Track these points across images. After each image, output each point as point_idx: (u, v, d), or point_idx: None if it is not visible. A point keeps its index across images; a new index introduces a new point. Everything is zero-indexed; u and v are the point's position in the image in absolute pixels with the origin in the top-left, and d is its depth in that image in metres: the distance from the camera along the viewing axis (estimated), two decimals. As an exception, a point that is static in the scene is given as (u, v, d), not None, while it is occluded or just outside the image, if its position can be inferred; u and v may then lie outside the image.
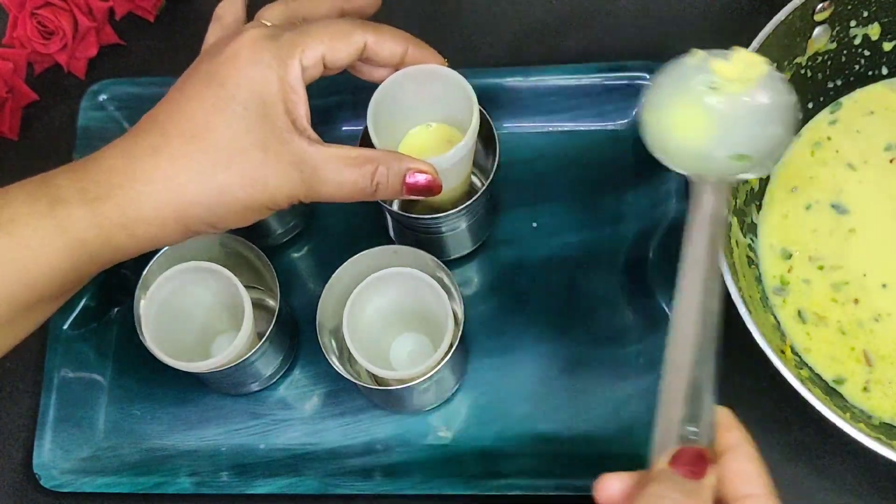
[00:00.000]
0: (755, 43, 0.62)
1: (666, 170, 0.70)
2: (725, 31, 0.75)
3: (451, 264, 0.69)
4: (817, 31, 0.65)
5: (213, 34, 0.62)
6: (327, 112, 0.72)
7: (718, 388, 0.49)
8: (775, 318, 0.66)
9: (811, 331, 0.66)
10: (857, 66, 0.69)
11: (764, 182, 0.69)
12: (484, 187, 0.65)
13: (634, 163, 0.72)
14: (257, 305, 0.69)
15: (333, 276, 0.64)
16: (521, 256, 0.71)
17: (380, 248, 0.64)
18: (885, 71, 0.70)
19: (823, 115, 0.70)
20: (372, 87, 0.62)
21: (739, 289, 0.59)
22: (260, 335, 0.66)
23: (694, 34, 0.76)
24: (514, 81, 0.73)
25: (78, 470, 0.69)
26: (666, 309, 0.68)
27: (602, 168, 0.73)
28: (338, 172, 0.57)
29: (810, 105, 0.69)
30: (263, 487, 0.67)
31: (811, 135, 0.70)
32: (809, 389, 0.57)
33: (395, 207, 0.66)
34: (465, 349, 0.68)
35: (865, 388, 0.64)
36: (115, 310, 0.73)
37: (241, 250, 0.67)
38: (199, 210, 0.56)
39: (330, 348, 0.65)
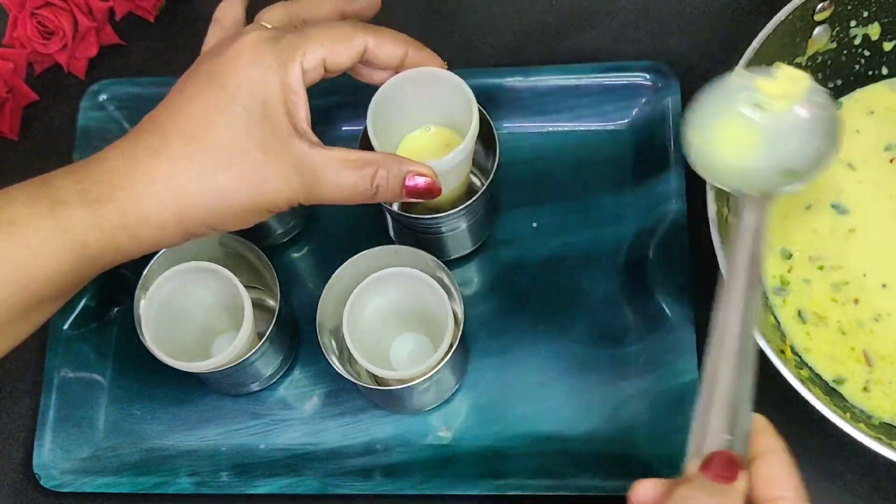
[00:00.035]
0: (755, 43, 0.62)
1: (666, 170, 0.71)
2: (725, 31, 0.75)
3: (451, 264, 0.69)
4: (817, 31, 0.65)
5: (212, 36, 0.62)
6: (327, 112, 0.72)
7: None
8: (775, 318, 0.66)
9: (811, 331, 0.66)
10: (857, 66, 0.69)
11: (764, 182, 0.69)
12: (484, 187, 0.65)
13: (634, 163, 0.72)
14: (257, 305, 0.69)
15: (333, 276, 0.64)
16: (521, 256, 0.71)
17: (380, 248, 0.64)
18: (885, 71, 0.70)
19: (823, 115, 0.70)
20: (372, 87, 0.62)
21: (739, 289, 0.59)
22: (260, 335, 0.66)
23: (694, 34, 0.76)
24: (514, 81, 0.73)
25: (78, 470, 0.69)
26: (666, 309, 0.68)
27: (602, 168, 0.73)
28: (338, 175, 0.57)
29: (810, 105, 0.69)
30: (263, 487, 0.67)
31: (811, 135, 0.70)
32: (809, 389, 0.57)
33: (395, 207, 0.66)
34: (465, 349, 0.68)
35: (865, 388, 0.64)
36: (115, 310, 0.73)
37: (241, 250, 0.67)
38: (200, 212, 0.56)
39: (330, 348, 0.65)
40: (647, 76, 0.72)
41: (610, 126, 0.73)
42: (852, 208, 0.68)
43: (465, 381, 0.69)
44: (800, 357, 0.65)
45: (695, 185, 0.70)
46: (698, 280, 0.68)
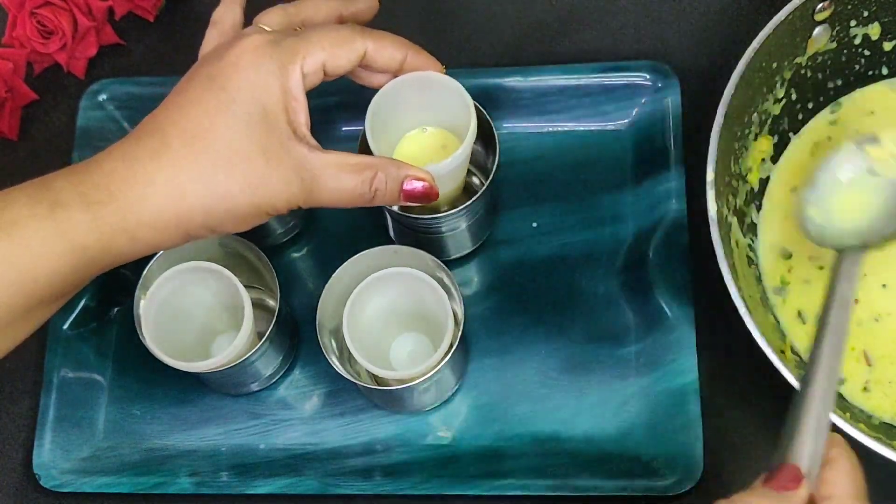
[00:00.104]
0: (755, 43, 0.62)
1: (666, 170, 0.71)
2: (725, 31, 0.75)
3: (451, 264, 0.69)
4: (817, 31, 0.65)
5: (210, 39, 0.62)
6: (327, 112, 0.72)
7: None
8: (775, 318, 0.66)
9: (811, 331, 0.65)
10: (857, 66, 0.69)
11: (764, 182, 0.69)
12: (484, 187, 0.65)
13: (634, 163, 0.72)
14: (257, 305, 0.69)
15: (333, 276, 0.64)
16: (521, 256, 0.71)
17: (380, 248, 0.64)
18: (885, 71, 0.70)
19: (823, 115, 0.70)
20: (371, 89, 0.62)
21: (739, 289, 0.59)
22: (260, 335, 0.66)
23: (694, 34, 0.76)
24: (514, 81, 0.73)
25: (78, 470, 0.69)
26: (666, 309, 0.68)
27: (602, 168, 0.73)
28: (337, 179, 0.57)
29: (810, 105, 0.69)
30: (263, 487, 0.67)
31: (811, 135, 0.70)
32: (809, 390, 0.57)
33: (395, 208, 0.66)
34: (465, 349, 0.68)
35: (865, 388, 0.64)
36: (115, 310, 0.73)
37: (241, 250, 0.67)
38: (200, 214, 0.56)
39: (330, 348, 0.65)
40: (647, 76, 0.72)
41: (610, 126, 0.73)
42: (853, 208, 0.68)
43: (465, 381, 0.69)
44: (800, 357, 0.65)
45: (695, 185, 0.70)
46: (698, 280, 0.68)
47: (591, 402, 0.67)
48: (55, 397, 0.70)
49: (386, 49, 0.60)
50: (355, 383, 0.64)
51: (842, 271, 0.58)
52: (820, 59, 0.67)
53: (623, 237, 0.71)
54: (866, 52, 0.68)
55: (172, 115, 0.57)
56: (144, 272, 0.65)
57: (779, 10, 0.63)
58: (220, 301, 0.66)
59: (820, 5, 0.64)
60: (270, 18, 0.61)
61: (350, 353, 0.62)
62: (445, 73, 0.62)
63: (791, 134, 0.70)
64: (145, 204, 0.56)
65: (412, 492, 0.66)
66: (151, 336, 0.63)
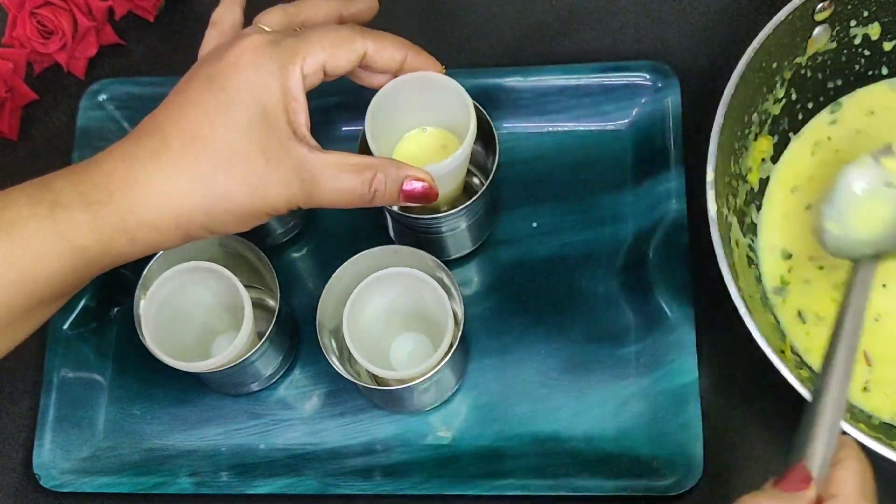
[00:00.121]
0: (755, 43, 0.62)
1: (666, 170, 0.71)
2: (725, 31, 0.75)
3: (451, 264, 0.69)
4: (817, 30, 0.65)
5: (209, 39, 0.62)
6: (326, 112, 0.72)
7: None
8: (775, 318, 0.66)
9: (811, 331, 0.66)
10: (857, 66, 0.69)
11: (764, 182, 0.69)
12: (484, 187, 0.65)
13: (634, 163, 0.72)
14: (257, 305, 0.69)
15: (333, 276, 0.64)
16: (521, 256, 0.71)
17: (380, 248, 0.64)
18: (885, 71, 0.70)
19: (823, 115, 0.70)
20: (371, 90, 0.62)
21: (739, 289, 0.59)
22: (260, 335, 0.66)
23: (694, 34, 0.76)
24: (514, 81, 0.73)
25: (78, 470, 0.69)
26: (666, 309, 0.68)
27: (602, 168, 0.73)
28: (337, 179, 0.57)
29: (810, 105, 0.69)
30: (263, 487, 0.67)
31: (811, 135, 0.70)
32: (809, 390, 0.57)
33: (394, 207, 0.66)
34: (465, 349, 0.68)
35: (865, 388, 0.64)
36: (115, 310, 0.73)
37: (241, 250, 0.67)
38: (199, 214, 0.56)
39: (330, 348, 0.65)
40: (647, 76, 0.72)
41: (610, 126, 0.73)
42: (853, 208, 0.68)
43: (465, 381, 0.69)
44: (800, 357, 0.65)
45: (695, 185, 0.70)
46: (698, 280, 0.68)
47: (591, 402, 0.67)
48: (55, 397, 0.70)
49: (386, 49, 0.60)
50: (355, 383, 0.64)
51: (857, 281, 0.59)
52: (820, 59, 0.67)
53: (623, 237, 0.71)
54: (866, 52, 0.68)
55: (172, 115, 0.57)
56: (144, 272, 0.65)
57: (779, 10, 0.63)
58: (220, 301, 0.66)
59: (820, 5, 0.64)
60: (270, 19, 0.61)
61: (350, 353, 0.62)
62: (445, 74, 0.62)
63: (791, 134, 0.70)
64: (145, 204, 0.56)
65: (412, 492, 0.66)
66: (151, 336, 0.63)
